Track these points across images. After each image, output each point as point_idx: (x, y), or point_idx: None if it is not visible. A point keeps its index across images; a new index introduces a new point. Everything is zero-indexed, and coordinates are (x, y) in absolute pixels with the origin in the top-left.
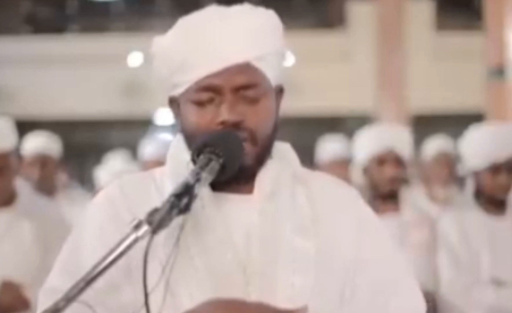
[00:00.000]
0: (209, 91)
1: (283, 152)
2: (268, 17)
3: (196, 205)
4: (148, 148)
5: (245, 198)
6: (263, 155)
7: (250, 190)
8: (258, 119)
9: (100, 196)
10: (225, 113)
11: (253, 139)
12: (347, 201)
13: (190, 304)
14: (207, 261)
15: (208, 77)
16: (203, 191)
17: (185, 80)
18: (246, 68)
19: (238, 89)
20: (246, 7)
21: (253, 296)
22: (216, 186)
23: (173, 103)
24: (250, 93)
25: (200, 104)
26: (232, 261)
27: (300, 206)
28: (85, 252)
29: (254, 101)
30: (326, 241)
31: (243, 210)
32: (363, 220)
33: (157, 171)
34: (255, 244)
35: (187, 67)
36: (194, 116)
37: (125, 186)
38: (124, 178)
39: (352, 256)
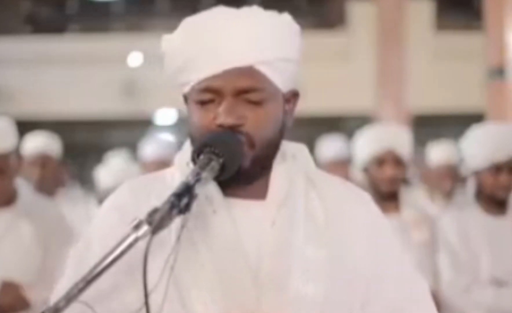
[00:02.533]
0: (209, 92)
1: (298, 154)
2: (280, 21)
3: (207, 210)
4: (148, 148)
5: (258, 204)
6: (261, 158)
7: (262, 195)
8: (258, 122)
9: (109, 204)
10: (222, 116)
11: (250, 142)
12: (359, 206)
13: (202, 309)
14: (218, 267)
15: (209, 78)
16: (215, 195)
17: (189, 80)
18: (248, 71)
19: (238, 93)
20: (255, 10)
21: (263, 303)
22: (228, 190)
23: (186, 100)
24: (252, 96)
25: (202, 104)
26: (243, 268)
27: (313, 212)
28: (94, 260)
29: (255, 104)
30: (339, 248)
31: (256, 217)
32: (376, 226)
33: (168, 171)
34: (266, 252)
35: (190, 67)
36: (197, 116)
37: (135, 191)
38: (134, 181)
39: (366, 263)
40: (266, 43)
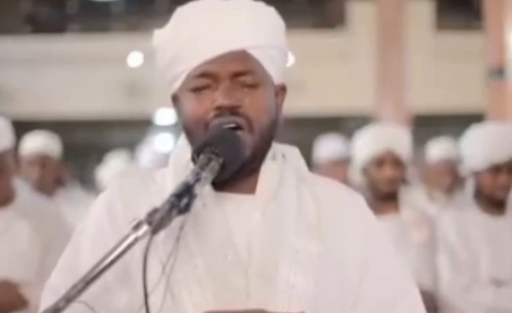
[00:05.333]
0: (205, 78)
1: (289, 155)
2: (268, 13)
3: (197, 204)
4: (145, 156)
5: (248, 198)
6: (260, 146)
7: (252, 190)
8: (255, 106)
9: (99, 201)
10: (220, 98)
11: (249, 126)
12: (352, 206)
13: (191, 304)
14: (208, 261)
15: (204, 64)
16: (205, 190)
17: (182, 70)
18: (242, 55)
19: (234, 76)
20: (245, 0)
21: (253, 297)
22: (218, 185)
23: (176, 100)
24: (247, 79)
25: (197, 90)
26: (232, 261)
27: (305, 207)
28: (84, 256)
29: (251, 87)
30: (330, 244)
31: (245, 210)
32: (368, 227)
33: (157, 172)
34: (256, 245)
35: (183, 56)
36: (192, 104)
37: (125, 189)
38: (124, 179)
39: (357, 263)
40: (256, 29)
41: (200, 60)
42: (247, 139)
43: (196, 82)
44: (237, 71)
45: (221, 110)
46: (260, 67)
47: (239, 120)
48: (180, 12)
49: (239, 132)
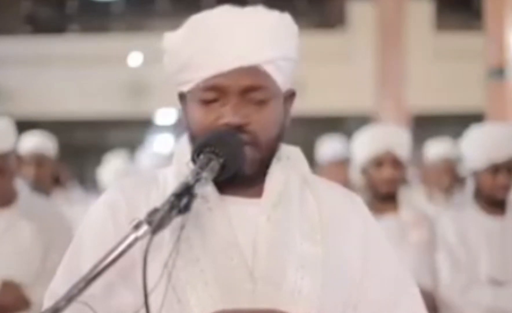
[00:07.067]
0: (215, 91)
1: (293, 156)
2: (282, 21)
3: (202, 207)
4: (144, 159)
5: (253, 202)
6: (264, 161)
7: (258, 194)
8: (262, 122)
9: (100, 201)
10: (229, 115)
11: (255, 142)
12: (352, 208)
13: (198, 306)
14: (213, 264)
15: (216, 77)
16: (210, 194)
17: (192, 78)
18: (254, 70)
19: (244, 91)
20: (259, 9)
21: (260, 300)
22: (224, 188)
23: (183, 98)
24: (257, 95)
25: (205, 103)
26: (238, 265)
27: (309, 211)
28: (85, 258)
29: (260, 104)
30: (333, 247)
31: (251, 215)
32: (369, 228)
33: (160, 172)
34: (262, 249)
35: (195, 65)
36: (199, 115)
37: (126, 190)
38: (126, 180)
39: (359, 264)
40: (270, 43)
41: (211, 73)
42: (252, 155)
43: (205, 94)
44: (247, 87)
45: (228, 127)
46: (271, 81)
47: (246, 137)
48: (195, 20)
49: (244, 147)
